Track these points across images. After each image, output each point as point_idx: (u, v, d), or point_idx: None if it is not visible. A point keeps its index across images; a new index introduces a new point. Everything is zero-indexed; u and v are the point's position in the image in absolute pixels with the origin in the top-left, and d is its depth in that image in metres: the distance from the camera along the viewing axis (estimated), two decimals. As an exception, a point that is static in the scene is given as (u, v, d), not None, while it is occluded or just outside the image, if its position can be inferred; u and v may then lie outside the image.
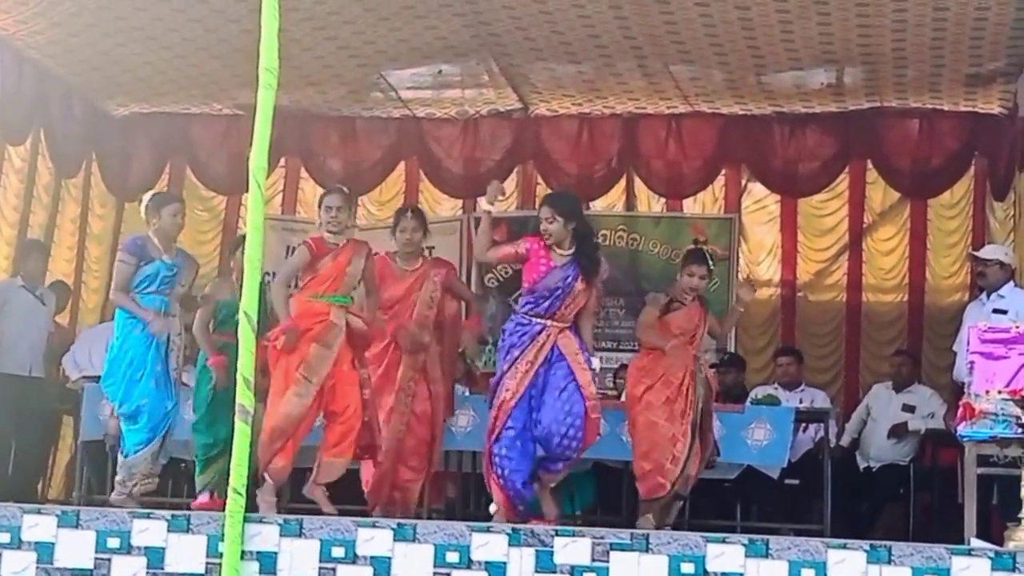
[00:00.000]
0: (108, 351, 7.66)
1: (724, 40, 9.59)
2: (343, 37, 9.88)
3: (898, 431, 9.89)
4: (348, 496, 8.03)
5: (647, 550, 5.89)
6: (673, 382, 7.57)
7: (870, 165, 11.51)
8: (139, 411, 7.51)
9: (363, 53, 10.24)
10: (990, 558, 5.69)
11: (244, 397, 6.17)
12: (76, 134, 11.21)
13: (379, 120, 12.01)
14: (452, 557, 6.01)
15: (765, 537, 5.95)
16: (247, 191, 6.32)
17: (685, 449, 7.53)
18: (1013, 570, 5.64)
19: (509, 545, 6.00)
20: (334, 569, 6.08)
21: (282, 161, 11.91)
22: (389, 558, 6.06)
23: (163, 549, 6.21)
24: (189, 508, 7.68)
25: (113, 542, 6.24)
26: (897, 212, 11.61)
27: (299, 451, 7.33)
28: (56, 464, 10.88)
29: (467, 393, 9.06)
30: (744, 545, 5.86)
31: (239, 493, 6.06)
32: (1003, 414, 6.16)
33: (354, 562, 6.08)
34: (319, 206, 7.62)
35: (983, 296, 8.41)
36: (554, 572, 5.94)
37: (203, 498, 7.97)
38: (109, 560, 6.23)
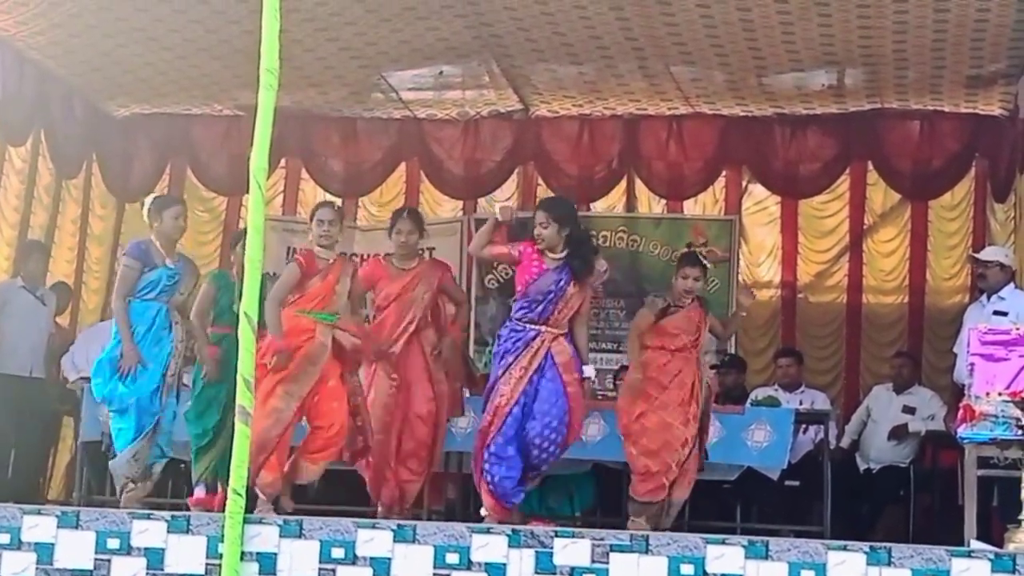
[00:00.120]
0: (103, 351, 7.68)
1: (725, 41, 9.59)
2: (344, 38, 9.88)
3: (898, 433, 9.89)
4: (348, 497, 8.04)
5: (647, 551, 5.89)
6: (687, 383, 7.60)
7: (871, 167, 11.52)
8: (126, 409, 7.54)
9: (364, 54, 10.24)
10: (990, 560, 5.68)
11: (244, 398, 6.16)
12: (77, 135, 11.22)
13: (380, 121, 12.01)
14: (452, 558, 6.02)
15: (765, 539, 5.95)
16: (248, 192, 6.32)
17: (688, 451, 7.54)
18: (1013, 572, 5.63)
19: (509, 546, 6.00)
20: (334, 570, 6.08)
21: (283, 162, 11.92)
22: (389, 559, 6.06)
23: (163, 550, 6.21)
24: (188, 508, 7.70)
25: (113, 543, 6.24)
26: (898, 214, 11.61)
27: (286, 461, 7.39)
28: (56, 465, 10.89)
29: (467, 394, 9.06)
30: (744, 547, 5.86)
31: (239, 494, 6.06)
32: (1003, 416, 6.16)
33: (354, 563, 6.08)
34: (311, 219, 7.67)
35: (983, 298, 8.41)
36: (554, 573, 5.94)
37: (199, 493, 7.96)
38: (109, 561, 6.23)
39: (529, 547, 5.98)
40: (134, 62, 10.48)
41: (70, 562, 6.25)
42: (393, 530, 6.11)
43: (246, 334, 6.22)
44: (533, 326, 7.32)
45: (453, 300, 8.12)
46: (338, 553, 6.09)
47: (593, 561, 5.93)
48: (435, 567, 6.03)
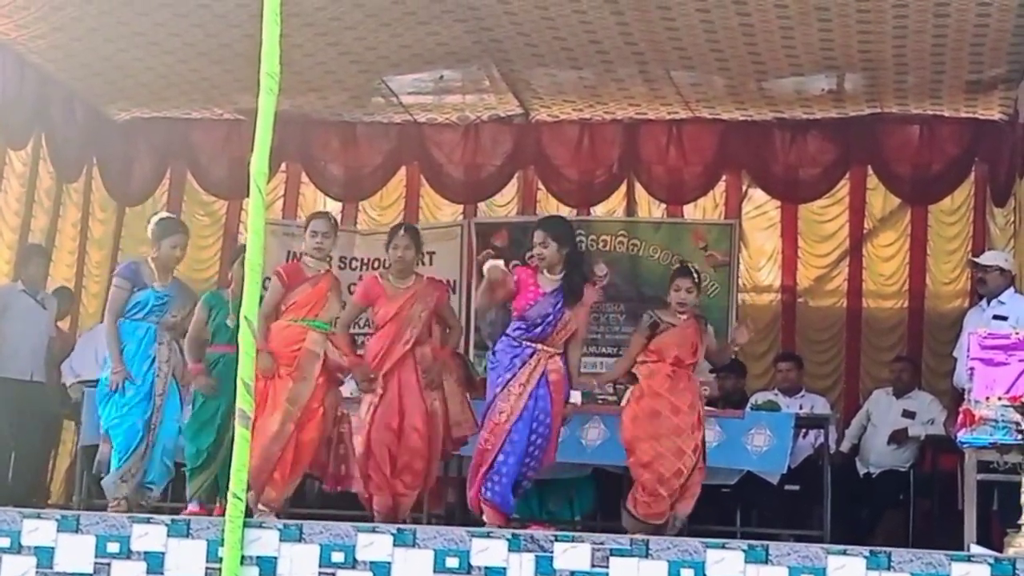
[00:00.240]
0: (102, 366, 7.75)
1: (725, 46, 9.59)
2: (344, 42, 9.89)
3: (898, 437, 9.89)
4: (348, 502, 8.03)
5: (647, 556, 5.90)
6: (697, 406, 7.63)
7: (870, 171, 11.51)
8: (112, 429, 7.62)
9: (364, 58, 10.25)
10: (990, 564, 5.69)
11: (244, 402, 6.16)
12: (77, 138, 11.22)
13: (380, 125, 12.01)
14: (452, 562, 6.02)
15: (765, 543, 5.95)
16: (248, 196, 6.33)
17: (688, 473, 7.54)
18: (1013, 576, 5.64)
19: (509, 551, 6.00)
20: (334, 574, 6.08)
21: (283, 166, 11.91)
22: (389, 563, 6.06)
23: (163, 554, 6.21)
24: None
25: (113, 547, 6.24)
26: (897, 218, 11.61)
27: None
28: (56, 469, 10.89)
29: (468, 399, 9.05)
30: (744, 551, 5.86)
31: (239, 498, 6.06)
32: (1003, 420, 6.17)
33: (354, 567, 6.08)
34: (305, 228, 7.69)
35: (983, 302, 8.42)
36: (553, 578, 5.95)
37: (192, 507, 8.03)
38: (109, 565, 6.23)
39: (529, 551, 5.98)
40: (135, 66, 10.49)
41: (70, 566, 6.26)
42: (393, 534, 6.11)
43: (246, 338, 6.21)
44: (530, 344, 7.39)
45: (446, 323, 8.09)
46: (338, 557, 6.09)
47: (593, 565, 5.93)
48: (435, 571, 6.02)
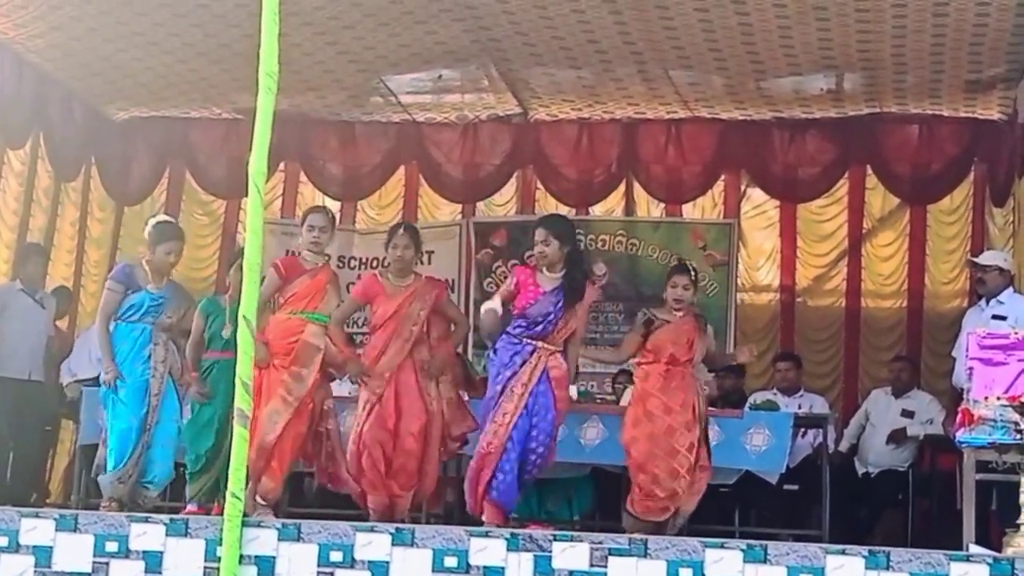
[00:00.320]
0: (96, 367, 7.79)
1: (724, 45, 9.59)
2: (343, 42, 9.89)
3: (897, 437, 9.88)
4: (347, 501, 8.02)
5: (645, 555, 5.89)
6: (691, 404, 7.62)
7: (869, 171, 11.52)
8: (109, 430, 7.64)
9: (363, 58, 10.25)
10: (988, 564, 5.68)
11: (243, 402, 6.16)
12: (76, 138, 11.22)
13: (379, 125, 12.01)
14: (450, 562, 6.01)
15: (764, 543, 5.94)
16: (247, 195, 6.32)
17: (688, 473, 7.54)
18: (1012, 576, 5.64)
19: (507, 550, 5.99)
20: (332, 573, 6.07)
21: (282, 165, 11.92)
22: (387, 563, 6.05)
23: (161, 553, 6.20)
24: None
25: (111, 546, 6.23)
26: (896, 218, 11.61)
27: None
28: (55, 468, 10.88)
29: (466, 398, 9.05)
30: (742, 551, 5.85)
31: (237, 497, 6.06)
32: (1002, 420, 6.17)
33: (352, 566, 6.07)
34: (302, 223, 7.68)
35: (982, 302, 8.42)
36: (552, 577, 5.95)
37: (191, 507, 8.04)
38: (107, 564, 6.22)
39: (528, 551, 5.97)
40: (133, 66, 10.49)
41: (68, 565, 6.24)
42: (391, 534, 6.10)
43: (245, 338, 6.21)
44: (530, 341, 7.39)
45: (450, 319, 8.06)
46: (336, 557, 6.08)
47: (592, 565, 5.92)
48: (433, 571, 6.01)
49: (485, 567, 5.98)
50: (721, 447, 8.41)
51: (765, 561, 5.81)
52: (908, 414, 9.95)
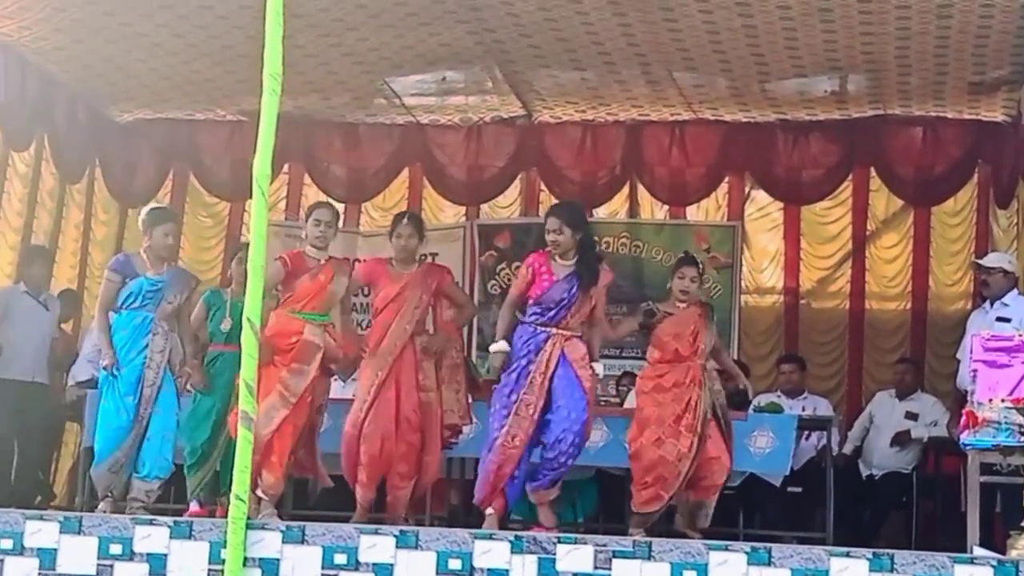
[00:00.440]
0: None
1: (728, 47, 9.59)
2: (347, 44, 9.89)
3: (901, 439, 9.88)
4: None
5: (649, 558, 5.89)
6: (684, 397, 7.64)
7: (873, 173, 11.52)
8: (99, 422, 7.62)
9: (367, 60, 10.25)
10: (993, 566, 5.69)
11: (247, 404, 6.16)
12: (80, 140, 11.22)
13: (383, 126, 12.01)
14: (455, 564, 6.02)
15: (768, 545, 5.95)
16: (251, 197, 6.33)
17: (688, 463, 7.56)
18: (1016, 579, 5.64)
19: (512, 552, 6.00)
20: (336, 576, 6.08)
21: (286, 167, 11.91)
22: (392, 565, 6.06)
23: (165, 556, 6.21)
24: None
25: (115, 548, 6.25)
26: (900, 220, 11.61)
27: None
28: (59, 470, 10.88)
29: (470, 399, 9.04)
30: (747, 553, 5.86)
31: (241, 500, 6.06)
32: (1006, 422, 6.17)
33: (356, 569, 6.08)
34: (307, 218, 7.69)
35: (986, 304, 8.41)
36: (556, 580, 5.95)
37: (193, 507, 8.06)
38: (111, 566, 6.23)
39: (532, 553, 5.98)
40: (137, 67, 10.49)
41: (73, 567, 6.26)
42: (396, 536, 6.11)
43: (249, 340, 6.21)
44: (544, 328, 7.38)
45: (455, 302, 8.08)
46: (341, 559, 6.09)
47: (596, 567, 5.93)
48: (438, 573, 6.02)
49: (489, 569, 5.99)
50: (725, 449, 8.41)
51: (769, 563, 5.81)
52: (912, 416, 9.95)
